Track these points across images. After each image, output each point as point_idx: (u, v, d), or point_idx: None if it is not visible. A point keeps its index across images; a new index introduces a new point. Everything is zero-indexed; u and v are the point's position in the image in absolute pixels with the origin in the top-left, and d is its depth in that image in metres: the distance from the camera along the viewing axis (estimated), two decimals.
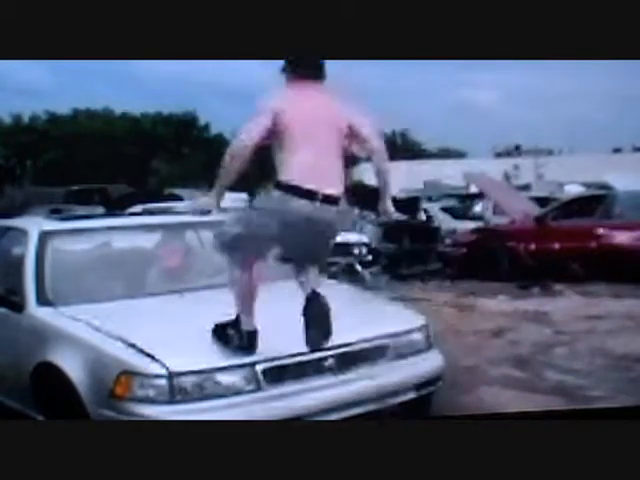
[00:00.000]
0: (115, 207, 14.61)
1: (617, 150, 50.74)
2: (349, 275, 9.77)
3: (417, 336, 4.18)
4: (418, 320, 4.31)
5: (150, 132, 53.03)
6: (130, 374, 3.37)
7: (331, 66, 3.40)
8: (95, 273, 4.53)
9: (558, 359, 5.81)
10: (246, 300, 3.56)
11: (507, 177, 30.02)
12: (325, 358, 3.68)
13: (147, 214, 7.30)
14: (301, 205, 3.26)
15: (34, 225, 4.72)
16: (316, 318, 3.39)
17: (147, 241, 5.00)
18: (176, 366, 3.35)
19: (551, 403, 4.65)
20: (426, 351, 4.19)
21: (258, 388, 3.47)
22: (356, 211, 13.17)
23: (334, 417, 3.55)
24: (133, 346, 3.48)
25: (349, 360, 3.78)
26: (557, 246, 10.48)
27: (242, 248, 3.45)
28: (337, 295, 4.85)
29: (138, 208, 12.21)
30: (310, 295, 3.45)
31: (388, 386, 3.87)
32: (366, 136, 3.48)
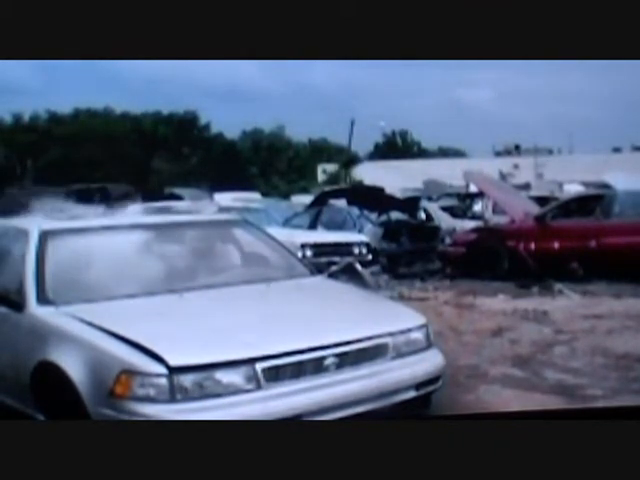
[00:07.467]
0: (115, 206, 14.61)
1: (617, 150, 50.76)
2: (349, 275, 9.77)
3: (417, 335, 4.18)
4: (418, 319, 4.32)
5: (150, 132, 53.08)
6: (130, 373, 3.38)
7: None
8: (95, 272, 4.53)
9: (558, 358, 5.82)
10: None
11: (502, 176, 30.09)
12: (325, 357, 3.69)
13: (147, 213, 7.29)
14: None
15: (34, 225, 4.72)
16: None
17: (147, 240, 5.00)
18: (176, 365, 3.36)
19: (551, 402, 4.66)
20: (426, 350, 4.19)
21: (258, 387, 3.48)
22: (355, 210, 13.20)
23: (334, 416, 3.55)
24: (133, 345, 3.49)
25: (349, 359, 3.78)
26: (557, 245, 10.50)
27: None
28: (337, 294, 4.88)
29: (138, 207, 12.21)
30: None
31: (388, 385, 3.87)
32: None
